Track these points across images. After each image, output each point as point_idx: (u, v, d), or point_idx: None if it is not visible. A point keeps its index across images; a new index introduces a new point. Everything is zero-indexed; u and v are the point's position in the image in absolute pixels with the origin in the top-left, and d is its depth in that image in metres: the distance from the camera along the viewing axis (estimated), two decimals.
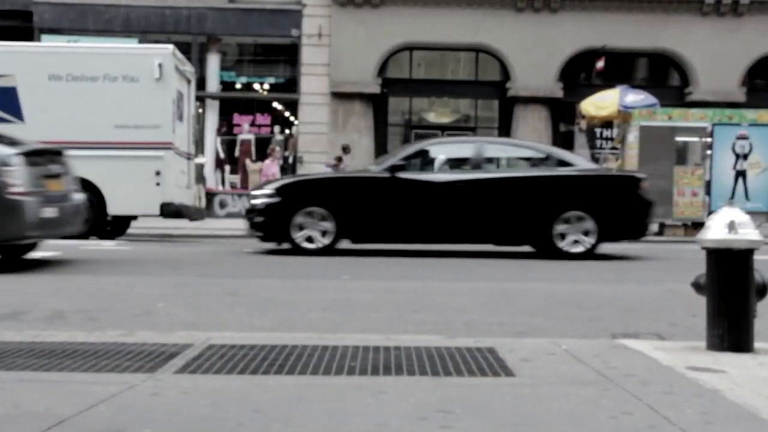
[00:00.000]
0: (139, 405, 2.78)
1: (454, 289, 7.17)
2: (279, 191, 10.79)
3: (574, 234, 10.60)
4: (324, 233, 10.55)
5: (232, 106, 23.90)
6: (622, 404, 2.83)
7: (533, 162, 11.49)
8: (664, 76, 24.29)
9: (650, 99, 18.48)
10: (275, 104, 24.35)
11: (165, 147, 13.49)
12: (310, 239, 10.57)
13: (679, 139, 17.27)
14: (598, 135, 23.90)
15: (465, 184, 10.79)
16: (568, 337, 4.35)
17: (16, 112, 13.44)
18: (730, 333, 3.73)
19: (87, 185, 13.28)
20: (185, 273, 8.37)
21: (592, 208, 10.62)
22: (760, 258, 3.85)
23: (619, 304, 6.23)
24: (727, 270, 3.72)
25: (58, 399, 2.84)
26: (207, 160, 22.50)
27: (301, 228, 10.54)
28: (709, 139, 16.98)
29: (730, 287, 3.72)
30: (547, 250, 10.69)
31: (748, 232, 3.70)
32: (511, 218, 10.70)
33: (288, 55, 23.80)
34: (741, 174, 16.95)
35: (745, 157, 16.93)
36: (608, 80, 21.35)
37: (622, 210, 10.83)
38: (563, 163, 11.11)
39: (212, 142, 23.57)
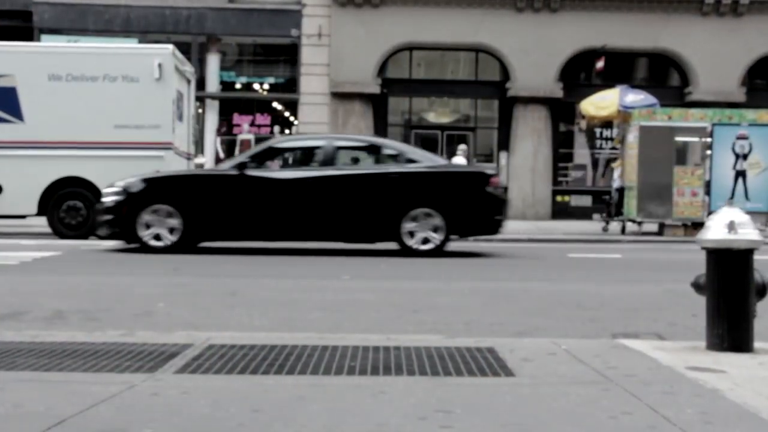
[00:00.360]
0: (139, 405, 2.78)
1: (454, 289, 7.17)
2: (126, 189, 10.69)
3: (423, 231, 10.50)
4: (172, 231, 10.48)
5: (232, 106, 23.91)
6: (622, 404, 2.83)
7: (383, 159, 11.36)
8: (664, 76, 24.28)
9: (650, 99, 18.45)
10: (275, 104, 24.35)
11: (165, 147, 13.48)
12: (158, 237, 10.49)
13: (679, 139, 17.24)
14: (598, 135, 23.90)
15: (312, 181, 10.69)
16: (568, 337, 4.35)
17: (15, 112, 13.43)
18: (730, 333, 3.73)
19: (87, 185, 13.35)
20: (185, 273, 8.37)
21: (439, 205, 10.51)
22: (760, 258, 3.85)
23: (619, 304, 6.23)
24: (727, 270, 3.72)
25: (58, 399, 2.84)
26: (207, 160, 22.47)
27: (148, 226, 10.47)
28: (709, 139, 16.96)
29: (730, 287, 3.72)
30: (401, 248, 10.57)
31: (748, 232, 3.70)
32: (359, 215, 10.61)
33: (288, 55, 23.80)
34: (741, 174, 16.93)
35: (745, 157, 16.91)
36: (608, 80, 21.34)
37: (469, 206, 10.66)
38: (414, 161, 10.96)
39: (212, 142, 23.57)
